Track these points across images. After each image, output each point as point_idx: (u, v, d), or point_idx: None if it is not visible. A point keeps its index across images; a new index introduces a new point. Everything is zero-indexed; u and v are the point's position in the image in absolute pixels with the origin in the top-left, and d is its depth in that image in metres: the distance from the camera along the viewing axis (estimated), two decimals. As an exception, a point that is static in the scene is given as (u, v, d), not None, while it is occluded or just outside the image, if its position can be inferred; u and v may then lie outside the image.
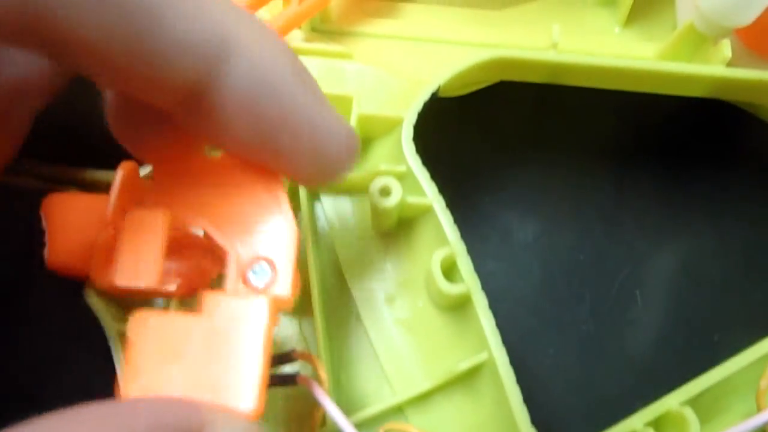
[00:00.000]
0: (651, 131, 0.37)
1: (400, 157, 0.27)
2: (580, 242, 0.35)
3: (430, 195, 0.26)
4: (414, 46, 0.33)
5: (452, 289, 0.24)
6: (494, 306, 0.25)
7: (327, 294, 0.27)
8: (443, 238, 0.25)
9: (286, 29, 0.31)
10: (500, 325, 0.25)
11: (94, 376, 0.26)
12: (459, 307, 0.25)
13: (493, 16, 0.34)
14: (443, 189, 0.27)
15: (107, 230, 0.24)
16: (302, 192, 0.28)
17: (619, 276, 0.34)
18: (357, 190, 0.28)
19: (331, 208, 0.29)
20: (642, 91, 0.30)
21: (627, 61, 0.29)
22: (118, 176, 0.25)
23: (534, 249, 0.35)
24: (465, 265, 0.24)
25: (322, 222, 0.29)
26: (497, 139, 0.36)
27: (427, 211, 0.26)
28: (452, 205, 0.26)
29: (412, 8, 0.34)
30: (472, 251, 0.26)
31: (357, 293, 0.27)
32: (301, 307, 0.27)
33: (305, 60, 0.31)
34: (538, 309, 0.33)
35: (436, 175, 0.27)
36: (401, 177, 0.27)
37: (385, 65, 0.31)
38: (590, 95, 0.31)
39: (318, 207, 0.29)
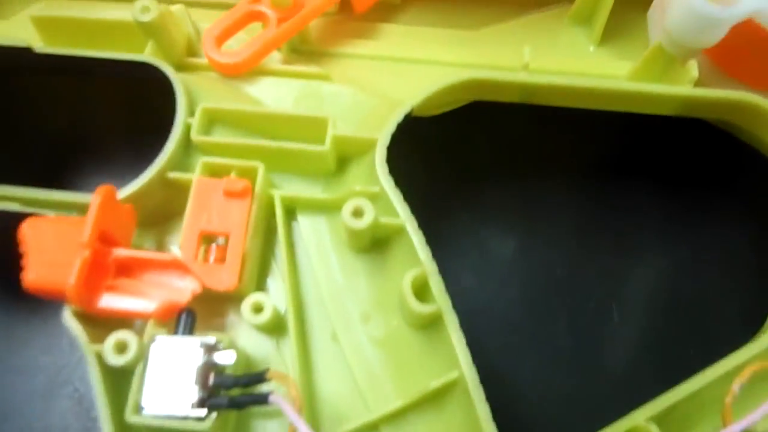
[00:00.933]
0: (628, 150, 0.38)
1: (374, 178, 0.27)
2: (558, 258, 0.35)
3: (402, 215, 0.26)
4: (391, 66, 0.33)
5: (423, 309, 0.24)
6: (472, 320, 0.26)
7: (303, 313, 0.28)
8: (415, 257, 0.26)
9: (264, 51, 0.31)
10: (478, 340, 0.25)
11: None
12: (431, 325, 0.26)
13: (469, 37, 0.34)
14: (421, 205, 0.27)
15: (84, 252, 0.25)
16: (278, 210, 0.28)
17: (596, 292, 0.34)
18: (333, 210, 0.29)
19: (308, 226, 0.29)
20: (613, 110, 0.31)
21: (596, 81, 0.29)
22: (95, 201, 0.25)
23: (512, 265, 0.35)
24: (436, 284, 0.25)
25: (298, 240, 0.29)
26: (475, 157, 0.36)
27: (400, 231, 0.26)
28: (430, 221, 0.27)
29: (389, 29, 0.35)
30: (450, 266, 0.26)
31: (333, 312, 0.27)
32: (278, 326, 0.27)
33: (283, 82, 0.32)
34: (516, 324, 0.34)
35: (413, 192, 0.27)
36: (375, 198, 0.27)
37: (362, 85, 0.32)
38: (567, 114, 0.31)
39: (295, 226, 0.29)
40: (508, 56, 0.32)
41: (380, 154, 0.27)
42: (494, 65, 0.32)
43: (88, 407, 0.32)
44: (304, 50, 0.34)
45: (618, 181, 0.36)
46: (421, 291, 0.25)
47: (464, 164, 0.36)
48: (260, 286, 0.28)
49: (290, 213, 0.29)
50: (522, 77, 0.29)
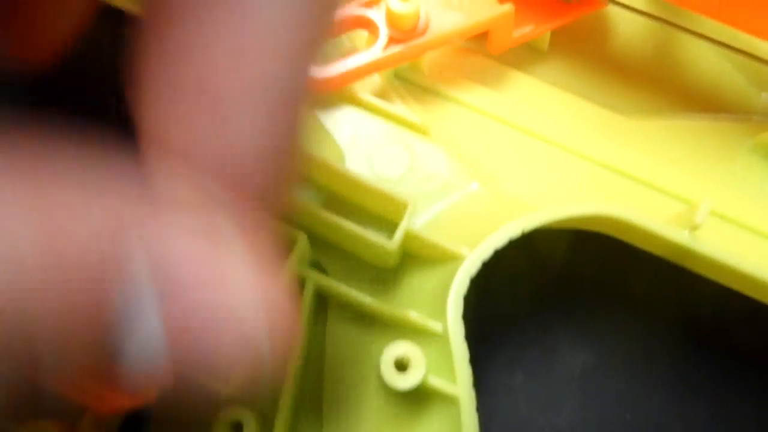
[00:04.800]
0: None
1: (440, 311, 0.20)
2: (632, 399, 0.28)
3: (461, 385, 0.19)
4: (512, 137, 0.26)
5: None
6: None
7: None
8: (456, 452, 0.19)
9: (362, 73, 0.24)
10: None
11: None
12: None
13: (621, 125, 0.26)
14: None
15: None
16: (307, 304, 0.21)
17: None
18: (377, 321, 0.22)
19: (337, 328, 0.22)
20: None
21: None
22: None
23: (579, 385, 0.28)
24: None
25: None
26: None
27: (449, 403, 0.19)
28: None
29: (524, 82, 0.27)
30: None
31: None
32: None
33: (368, 119, 0.24)
34: None
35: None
36: (431, 339, 0.20)
37: (466, 153, 0.25)
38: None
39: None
40: (670, 172, 0.24)
41: (458, 288, 0.20)
42: (646, 182, 0.24)
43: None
44: (412, 80, 0.26)
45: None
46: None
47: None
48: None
49: (323, 304, 0.22)
50: (681, 239, 0.20)
